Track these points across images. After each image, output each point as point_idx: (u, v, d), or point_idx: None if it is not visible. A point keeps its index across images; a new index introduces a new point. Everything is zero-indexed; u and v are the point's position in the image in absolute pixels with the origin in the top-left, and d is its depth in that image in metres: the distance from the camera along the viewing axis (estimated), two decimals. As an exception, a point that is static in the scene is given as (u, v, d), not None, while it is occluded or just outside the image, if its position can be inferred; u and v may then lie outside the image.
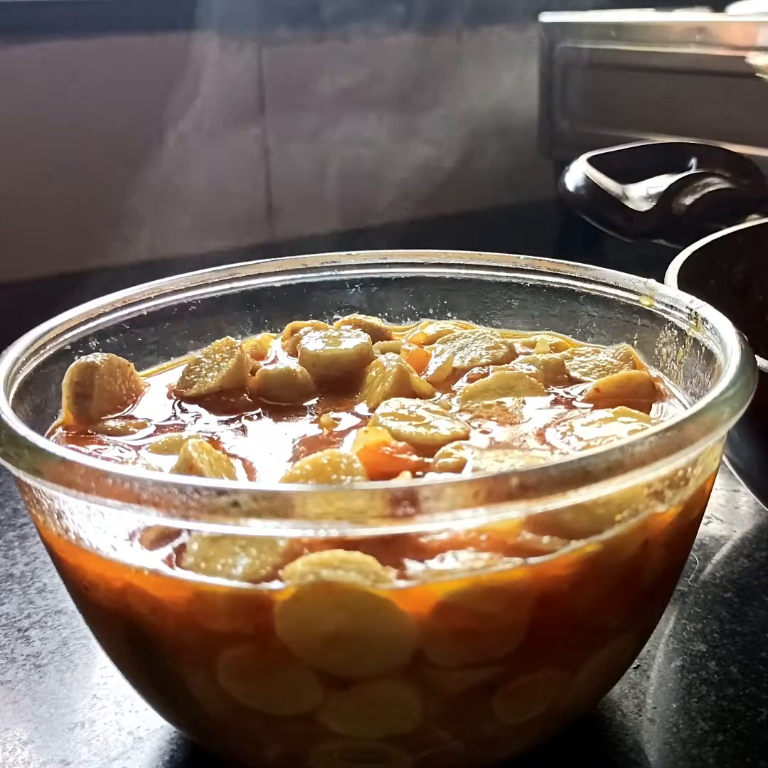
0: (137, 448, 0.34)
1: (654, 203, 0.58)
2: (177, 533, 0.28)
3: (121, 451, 0.34)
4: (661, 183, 0.60)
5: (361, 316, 0.45)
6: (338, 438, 0.34)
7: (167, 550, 0.27)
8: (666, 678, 0.36)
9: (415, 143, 0.92)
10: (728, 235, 0.52)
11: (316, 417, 0.36)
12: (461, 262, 0.45)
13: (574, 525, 0.26)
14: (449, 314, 0.46)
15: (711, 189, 0.59)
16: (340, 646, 0.26)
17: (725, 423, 0.28)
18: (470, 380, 0.38)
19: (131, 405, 0.38)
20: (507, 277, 0.44)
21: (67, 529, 0.28)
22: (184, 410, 0.37)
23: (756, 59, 0.70)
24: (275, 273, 0.45)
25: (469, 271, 0.45)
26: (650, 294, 0.39)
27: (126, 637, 0.29)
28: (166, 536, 0.28)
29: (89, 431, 0.35)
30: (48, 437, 0.35)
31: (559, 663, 0.29)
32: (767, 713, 0.35)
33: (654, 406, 0.36)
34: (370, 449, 0.30)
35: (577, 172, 0.60)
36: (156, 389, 0.39)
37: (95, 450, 0.34)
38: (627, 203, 0.59)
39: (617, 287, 0.41)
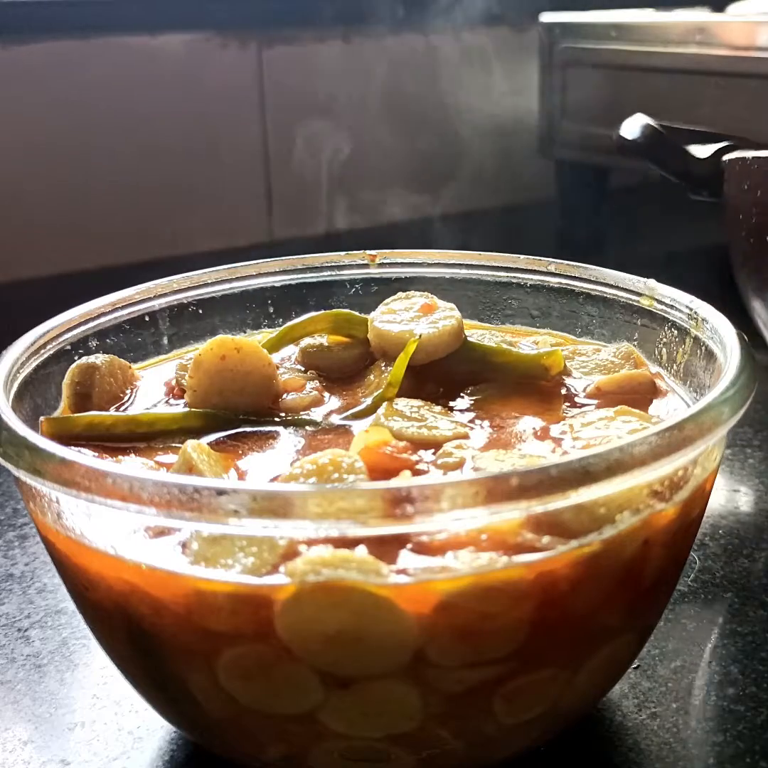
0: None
1: (710, 153, 0.59)
2: (176, 531, 0.28)
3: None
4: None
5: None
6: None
7: (168, 549, 0.27)
8: (666, 678, 0.36)
9: (415, 143, 0.92)
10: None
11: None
12: (461, 262, 0.45)
13: (574, 525, 0.26)
14: (449, 314, 0.46)
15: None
16: (340, 645, 0.26)
17: (725, 423, 0.28)
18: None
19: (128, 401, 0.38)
20: (507, 277, 0.44)
21: (67, 529, 0.28)
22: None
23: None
24: (275, 273, 0.45)
25: (469, 271, 0.45)
26: (650, 294, 0.39)
27: (126, 637, 0.29)
28: (165, 534, 0.28)
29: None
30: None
31: (560, 663, 0.29)
32: (767, 713, 0.35)
33: (655, 404, 0.36)
34: (372, 449, 0.30)
35: (637, 122, 0.61)
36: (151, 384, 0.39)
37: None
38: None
39: (617, 287, 0.41)
